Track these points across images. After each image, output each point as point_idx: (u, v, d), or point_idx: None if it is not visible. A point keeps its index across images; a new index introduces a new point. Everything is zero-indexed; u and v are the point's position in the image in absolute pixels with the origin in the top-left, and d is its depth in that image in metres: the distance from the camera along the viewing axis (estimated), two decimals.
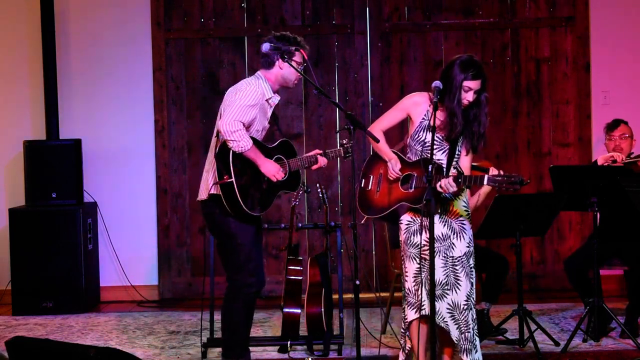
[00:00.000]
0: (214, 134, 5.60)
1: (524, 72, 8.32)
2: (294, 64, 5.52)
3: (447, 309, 5.19)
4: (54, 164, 7.97)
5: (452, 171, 5.21)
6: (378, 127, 5.38)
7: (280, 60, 5.52)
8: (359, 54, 8.33)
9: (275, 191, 5.56)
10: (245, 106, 5.39)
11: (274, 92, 5.60)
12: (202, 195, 5.59)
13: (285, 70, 5.55)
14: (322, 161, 5.70)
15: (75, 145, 8.04)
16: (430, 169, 4.97)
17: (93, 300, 8.15)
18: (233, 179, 5.34)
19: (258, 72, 5.63)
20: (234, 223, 5.48)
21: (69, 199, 8.00)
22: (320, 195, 6.56)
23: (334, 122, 8.26)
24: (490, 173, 5.26)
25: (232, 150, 5.35)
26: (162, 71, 8.34)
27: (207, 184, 5.54)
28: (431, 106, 5.20)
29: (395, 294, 6.45)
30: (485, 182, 5.03)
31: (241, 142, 5.32)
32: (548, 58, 8.30)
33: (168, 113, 8.37)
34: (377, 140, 5.29)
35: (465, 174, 5.19)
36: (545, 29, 8.30)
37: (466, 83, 5.13)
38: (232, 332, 5.59)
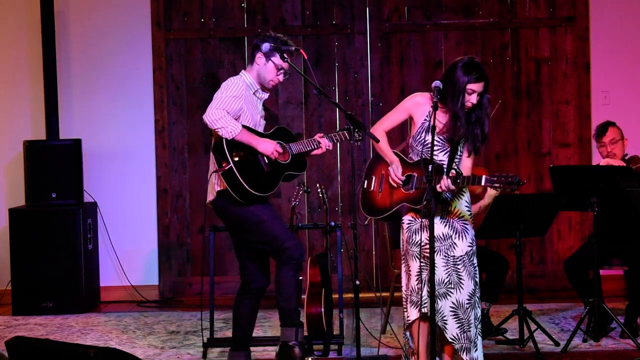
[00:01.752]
0: (210, 134, 5.63)
1: (524, 72, 8.32)
2: (275, 62, 5.53)
3: (451, 307, 5.18)
4: (54, 164, 7.97)
5: (452, 172, 5.21)
6: (380, 128, 5.38)
7: (257, 54, 5.55)
8: (359, 54, 8.33)
9: (280, 172, 5.56)
10: (228, 97, 5.42)
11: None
12: (210, 196, 5.63)
13: (261, 67, 5.58)
14: (325, 144, 5.65)
15: (75, 145, 8.04)
16: (430, 169, 4.97)
17: (93, 300, 8.14)
18: (231, 164, 5.36)
19: (242, 71, 5.67)
20: (246, 211, 5.49)
21: (69, 199, 8.00)
22: (320, 195, 6.56)
23: (334, 122, 8.26)
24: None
25: (225, 138, 5.36)
26: (162, 71, 8.35)
27: (213, 184, 5.57)
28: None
29: (395, 294, 6.45)
30: (482, 182, 5.05)
31: (229, 127, 5.34)
32: (548, 58, 8.30)
33: (168, 113, 8.37)
34: (377, 141, 5.30)
35: (464, 175, 5.20)
36: (545, 29, 8.30)
37: (469, 86, 5.13)
38: (287, 299, 5.60)
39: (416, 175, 5.22)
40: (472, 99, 5.16)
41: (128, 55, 8.36)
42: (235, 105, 5.44)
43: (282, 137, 5.66)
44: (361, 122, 5.46)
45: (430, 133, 5.12)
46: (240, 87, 5.51)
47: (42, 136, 8.20)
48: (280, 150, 5.50)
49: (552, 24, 8.30)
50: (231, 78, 5.61)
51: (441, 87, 5.12)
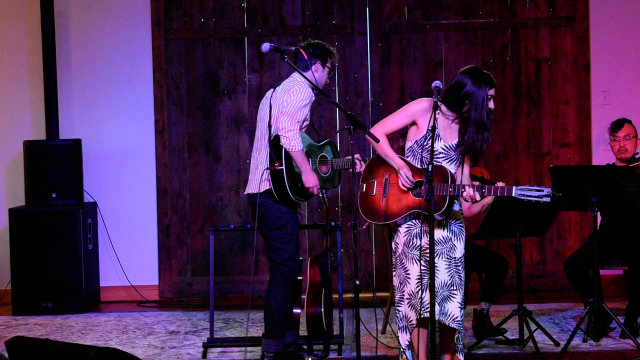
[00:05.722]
0: (265, 125, 5.81)
1: (524, 72, 8.32)
2: (327, 70, 5.94)
3: (458, 308, 5.19)
4: (54, 164, 7.97)
5: (476, 183, 5.20)
6: (381, 130, 5.31)
7: (315, 64, 5.91)
8: (359, 54, 8.33)
9: (320, 186, 5.95)
10: (301, 107, 5.79)
11: None
12: (254, 189, 5.85)
13: (318, 74, 5.91)
14: (359, 166, 5.90)
15: (75, 145, 8.04)
16: (430, 170, 4.95)
17: (93, 300, 8.15)
18: (283, 167, 5.70)
19: (295, 74, 5.91)
20: (285, 215, 5.83)
21: (69, 199, 8.00)
22: (321, 195, 6.55)
23: (334, 122, 8.26)
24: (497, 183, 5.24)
25: None
26: (162, 71, 8.35)
27: (261, 179, 5.80)
28: (439, 113, 5.17)
29: None
30: (513, 193, 5.00)
31: (292, 142, 5.70)
32: (548, 58, 8.30)
33: (168, 113, 8.37)
34: (377, 141, 5.25)
35: (489, 185, 5.15)
36: (545, 29, 8.30)
37: (490, 92, 5.21)
38: (275, 316, 5.90)
39: None
40: (491, 104, 5.23)
41: (128, 55, 8.36)
42: (304, 114, 5.84)
43: (330, 151, 6.09)
44: (361, 123, 5.46)
45: (437, 140, 5.13)
46: (309, 96, 5.84)
47: (42, 136, 8.20)
48: (316, 192, 5.89)
49: (552, 24, 8.30)
50: (301, 84, 5.82)
51: (441, 87, 5.12)
